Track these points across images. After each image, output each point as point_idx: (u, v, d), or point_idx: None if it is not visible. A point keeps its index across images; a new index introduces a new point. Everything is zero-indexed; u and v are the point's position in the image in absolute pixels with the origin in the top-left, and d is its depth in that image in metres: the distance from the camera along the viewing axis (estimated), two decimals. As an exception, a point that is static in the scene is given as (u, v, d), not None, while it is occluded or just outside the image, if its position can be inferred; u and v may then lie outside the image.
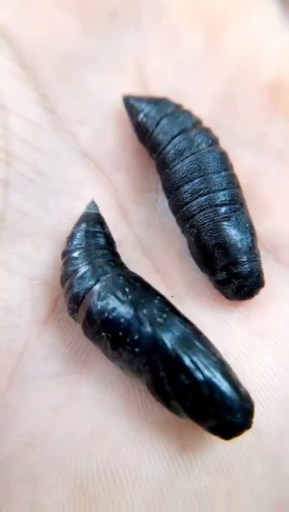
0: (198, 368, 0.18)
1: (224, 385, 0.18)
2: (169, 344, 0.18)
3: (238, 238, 0.21)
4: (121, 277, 0.20)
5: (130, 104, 0.24)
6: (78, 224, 0.22)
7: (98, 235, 0.22)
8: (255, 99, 0.24)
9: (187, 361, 0.18)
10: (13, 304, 0.20)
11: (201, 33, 0.24)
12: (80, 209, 0.23)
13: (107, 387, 0.20)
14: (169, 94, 0.24)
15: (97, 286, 0.20)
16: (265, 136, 0.24)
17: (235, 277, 0.21)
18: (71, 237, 0.22)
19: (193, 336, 0.19)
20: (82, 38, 0.24)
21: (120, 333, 0.19)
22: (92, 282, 0.20)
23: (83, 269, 0.21)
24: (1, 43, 0.23)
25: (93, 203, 0.23)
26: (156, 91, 0.24)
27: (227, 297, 0.22)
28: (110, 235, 0.23)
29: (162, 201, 0.24)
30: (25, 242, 0.21)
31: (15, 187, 0.22)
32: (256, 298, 0.22)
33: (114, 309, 0.19)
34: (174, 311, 0.20)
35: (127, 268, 0.21)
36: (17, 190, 0.22)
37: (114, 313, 0.19)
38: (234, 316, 0.22)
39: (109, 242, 0.22)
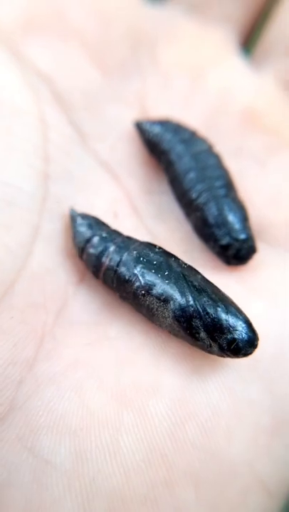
0: (218, 303, 0.22)
1: (238, 316, 0.22)
2: (195, 283, 0.23)
3: (236, 211, 0.27)
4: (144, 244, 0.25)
5: (141, 126, 0.30)
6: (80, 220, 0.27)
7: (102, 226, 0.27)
8: (232, 123, 0.30)
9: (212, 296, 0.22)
10: (50, 266, 0.26)
11: (186, 77, 0.32)
12: (99, 204, 0.28)
13: (131, 330, 0.25)
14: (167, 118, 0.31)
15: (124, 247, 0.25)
16: (242, 148, 0.30)
17: (235, 240, 0.26)
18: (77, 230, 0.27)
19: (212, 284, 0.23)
20: (102, 80, 0.31)
21: (153, 270, 0.23)
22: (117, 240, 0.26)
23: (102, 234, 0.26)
24: (42, 80, 0.29)
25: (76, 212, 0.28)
26: (154, 116, 0.31)
27: (227, 262, 0.27)
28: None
29: (166, 201, 0.30)
30: (59, 222, 0.27)
31: (52, 179, 0.27)
32: (249, 264, 0.27)
33: (148, 254, 0.24)
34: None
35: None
36: (53, 181, 0.27)
37: (147, 258, 0.24)
38: (232, 279, 0.26)
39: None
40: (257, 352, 0.23)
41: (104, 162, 0.30)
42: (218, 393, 0.23)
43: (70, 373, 0.23)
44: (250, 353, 0.22)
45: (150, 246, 0.25)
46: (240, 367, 0.23)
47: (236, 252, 0.26)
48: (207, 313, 0.22)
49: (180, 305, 0.23)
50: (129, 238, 0.26)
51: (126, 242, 0.26)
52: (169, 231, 0.29)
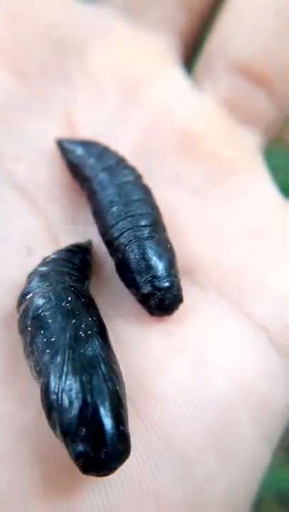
0: (88, 391, 0.18)
1: (107, 417, 0.18)
2: (80, 361, 0.19)
3: (160, 255, 0.24)
4: (72, 288, 0.21)
5: (62, 146, 0.27)
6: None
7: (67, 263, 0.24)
8: (168, 145, 0.27)
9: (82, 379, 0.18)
10: None
11: (120, 90, 0.28)
12: (11, 236, 0.25)
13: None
14: (93, 138, 0.27)
15: (44, 287, 0.21)
16: (179, 175, 0.27)
17: (158, 289, 0.23)
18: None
19: (102, 363, 0.19)
20: (19, 90, 0.27)
21: (42, 331, 0.20)
22: (41, 284, 0.22)
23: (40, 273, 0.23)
24: None
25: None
26: (84, 136, 0.27)
27: (150, 312, 0.24)
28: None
29: (91, 231, 0.26)
30: None
31: None
32: (175, 315, 0.24)
33: (49, 308, 0.20)
34: (100, 334, 0.20)
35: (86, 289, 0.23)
36: None
37: (46, 313, 0.20)
38: (155, 332, 0.23)
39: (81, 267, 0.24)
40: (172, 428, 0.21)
41: (19, 185, 0.26)
42: None
43: None
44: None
45: (61, 295, 0.21)
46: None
47: (159, 302, 0.23)
48: (67, 409, 0.18)
49: (46, 388, 0.19)
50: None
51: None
52: (94, 268, 0.26)
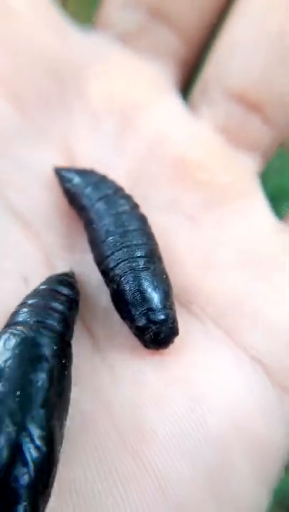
0: None
1: None
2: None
3: (155, 287, 0.24)
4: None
5: (60, 174, 0.27)
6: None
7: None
8: (164, 173, 0.27)
9: None
10: None
11: (117, 117, 0.28)
12: (7, 265, 0.25)
13: None
14: (91, 166, 0.27)
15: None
16: (174, 202, 0.27)
17: (153, 323, 0.23)
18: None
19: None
20: (18, 119, 0.27)
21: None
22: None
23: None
24: None
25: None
26: (81, 165, 0.28)
27: (145, 345, 0.24)
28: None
29: (88, 259, 0.26)
30: None
31: None
32: (171, 348, 0.24)
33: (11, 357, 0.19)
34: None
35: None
36: None
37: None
38: (150, 366, 0.23)
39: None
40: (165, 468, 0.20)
41: (17, 212, 0.26)
42: None
43: None
44: None
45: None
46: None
47: (154, 336, 0.23)
48: None
49: None
50: None
51: None
52: (89, 298, 0.26)
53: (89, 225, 0.26)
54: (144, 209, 0.26)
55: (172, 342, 0.24)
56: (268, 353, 0.24)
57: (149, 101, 0.29)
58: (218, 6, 0.29)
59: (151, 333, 0.23)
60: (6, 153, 0.27)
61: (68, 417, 0.21)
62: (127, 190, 0.27)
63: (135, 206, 0.26)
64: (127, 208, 0.26)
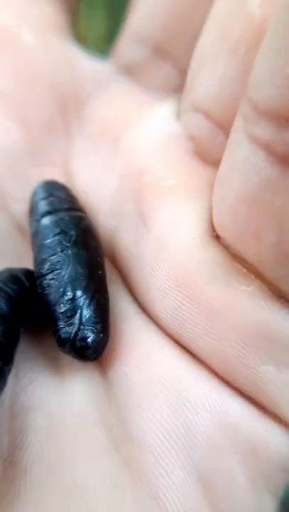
0: None
1: None
2: None
3: (49, 307, 0.23)
4: None
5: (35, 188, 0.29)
6: None
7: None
8: (132, 187, 0.27)
9: None
10: None
11: (108, 142, 0.30)
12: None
13: None
14: (84, 187, 0.30)
15: None
16: (139, 214, 0.27)
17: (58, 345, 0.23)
18: None
19: None
20: (23, 139, 0.30)
21: None
22: None
23: None
24: None
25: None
26: (76, 184, 0.30)
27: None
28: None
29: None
30: None
31: None
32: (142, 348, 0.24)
33: None
34: None
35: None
36: None
37: None
38: (132, 366, 0.23)
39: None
40: None
41: (20, 226, 0.29)
42: None
43: None
44: None
45: None
46: None
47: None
48: None
49: None
50: None
51: None
52: None
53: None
54: (117, 225, 0.28)
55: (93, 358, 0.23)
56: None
57: (137, 122, 0.30)
58: None
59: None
60: (11, 170, 0.30)
61: (58, 415, 0.22)
62: (112, 208, 0.28)
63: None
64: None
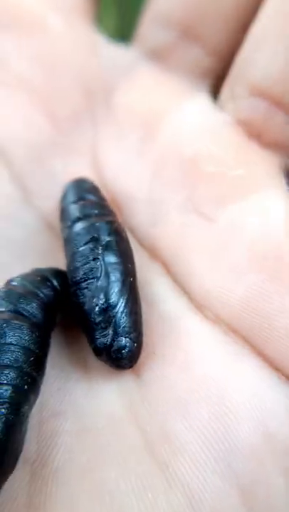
0: None
1: None
2: None
3: (86, 314, 0.23)
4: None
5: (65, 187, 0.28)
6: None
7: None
8: (179, 172, 0.27)
9: None
10: None
11: (138, 128, 0.29)
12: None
13: None
14: (114, 176, 0.29)
15: None
16: (188, 201, 0.26)
17: (94, 353, 0.23)
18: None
19: None
20: (49, 131, 0.29)
21: None
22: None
23: None
24: None
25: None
26: (106, 173, 0.29)
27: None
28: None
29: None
30: None
31: None
32: (191, 352, 0.23)
33: None
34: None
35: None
36: None
37: None
38: (174, 369, 0.23)
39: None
40: None
41: (48, 221, 0.28)
42: None
43: None
44: None
45: None
46: None
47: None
48: None
49: None
50: None
51: None
52: None
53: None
54: (159, 213, 0.27)
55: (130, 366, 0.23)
56: (283, 362, 0.22)
57: (171, 108, 0.29)
58: (249, 23, 0.29)
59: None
60: (38, 164, 0.29)
61: (88, 418, 0.22)
62: (145, 195, 0.27)
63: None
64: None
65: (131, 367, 0.23)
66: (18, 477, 0.20)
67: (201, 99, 0.30)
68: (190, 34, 0.30)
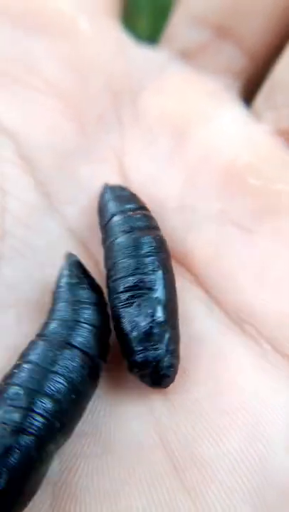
0: None
1: None
2: None
3: (134, 326, 0.22)
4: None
5: (101, 193, 0.27)
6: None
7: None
8: (214, 181, 0.26)
9: None
10: None
11: (169, 133, 0.28)
12: (54, 273, 0.25)
13: None
14: (142, 182, 0.27)
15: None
16: (224, 212, 0.26)
17: (133, 366, 0.22)
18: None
19: None
20: (76, 136, 0.28)
21: None
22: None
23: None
24: (5, 139, 0.27)
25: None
26: (134, 179, 0.28)
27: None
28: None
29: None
30: (9, 313, 0.23)
31: (5, 260, 0.24)
32: (226, 373, 0.22)
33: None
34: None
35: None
36: (7, 263, 0.24)
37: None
38: (204, 393, 0.22)
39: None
40: None
41: (71, 228, 0.27)
42: None
43: None
44: None
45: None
46: None
47: (140, 378, 0.22)
48: None
49: None
50: None
51: None
52: None
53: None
54: (192, 223, 0.26)
55: (167, 384, 0.22)
56: None
57: (205, 113, 0.28)
58: (286, 23, 0.28)
59: (138, 376, 0.22)
60: (63, 169, 0.28)
61: (119, 442, 0.21)
62: (178, 204, 0.26)
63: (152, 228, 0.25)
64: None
65: (167, 386, 0.22)
66: (41, 499, 0.20)
67: (235, 105, 0.29)
68: (225, 33, 0.29)
